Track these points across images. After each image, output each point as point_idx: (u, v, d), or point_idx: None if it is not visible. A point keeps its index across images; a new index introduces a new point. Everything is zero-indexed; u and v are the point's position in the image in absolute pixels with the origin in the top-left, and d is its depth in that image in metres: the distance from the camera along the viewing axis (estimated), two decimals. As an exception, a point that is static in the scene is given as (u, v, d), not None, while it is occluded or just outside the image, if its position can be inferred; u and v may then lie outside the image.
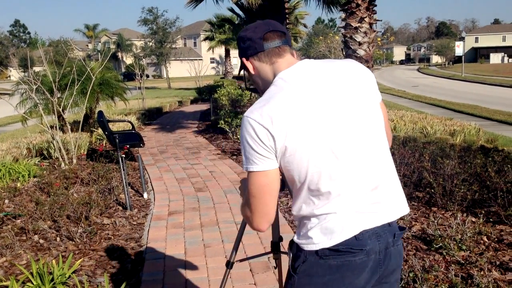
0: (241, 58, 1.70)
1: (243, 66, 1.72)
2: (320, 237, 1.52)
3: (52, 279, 3.36)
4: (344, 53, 7.95)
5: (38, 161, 7.68)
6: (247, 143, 1.48)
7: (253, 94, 16.38)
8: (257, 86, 1.73)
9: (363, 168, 1.53)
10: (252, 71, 1.67)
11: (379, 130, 1.59)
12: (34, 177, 6.76)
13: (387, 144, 1.63)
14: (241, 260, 2.70)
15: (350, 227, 1.51)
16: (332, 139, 1.48)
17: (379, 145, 1.58)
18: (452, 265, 3.45)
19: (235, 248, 2.38)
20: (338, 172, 1.49)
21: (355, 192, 1.52)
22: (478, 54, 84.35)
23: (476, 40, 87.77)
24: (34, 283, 3.30)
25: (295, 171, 1.50)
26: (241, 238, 2.37)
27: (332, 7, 12.55)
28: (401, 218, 4.24)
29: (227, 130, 10.26)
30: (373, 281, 1.60)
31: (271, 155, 1.48)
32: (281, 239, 2.35)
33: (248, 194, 1.53)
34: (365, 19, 7.50)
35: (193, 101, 23.04)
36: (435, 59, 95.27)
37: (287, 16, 11.63)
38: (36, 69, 13.17)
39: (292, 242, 1.62)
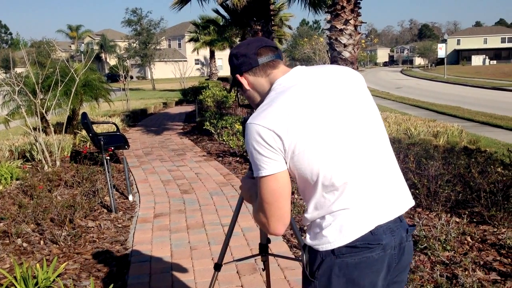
0: (234, 75, 1.71)
1: (236, 83, 1.73)
2: (335, 235, 1.52)
3: (37, 283, 3.31)
4: (329, 55, 7.99)
5: (21, 164, 7.58)
6: (254, 149, 1.48)
7: (238, 96, 16.36)
8: (251, 101, 1.74)
9: (370, 162, 1.55)
10: (246, 87, 1.69)
11: (379, 125, 1.63)
12: (17, 179, 6.67)
13: (388, 139, 1.66)
14: (229, 263, 2.69)
15: (364, 222, 1.52)
16: (338, 135, 1.50)
17: (381, 139, 1.61)
18: (437, 265, 3.48)
19: (223, 250, 2.38)
20: (348, 166, 1.51)
21: (366, 186, 1.54)
22: (460, 56, 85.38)
23: (458, 42, 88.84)
24: (18, 287, 3.25)
25: (307, 170, 1.49)
26: (229, 240, 2.36)
27: (317, 9, 12.59)
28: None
29: (213, 131, 10.24)
30: (388, 278, 1.60)
31: (279, 157, 1.48)
32: (269, 241, 2.35)
33: (261, 200, 1.52)
34: (350, 21, 7.54)
35: (178, 103, 22.96)
36: (418, 61, 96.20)
37: (272, 17, 11.64)
38: (19, 70, 13.01)
39: (305, 246, 1.61)
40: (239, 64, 1.67)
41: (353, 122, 1.54)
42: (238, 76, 1.69)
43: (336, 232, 1.52)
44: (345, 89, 1.58)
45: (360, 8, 7.71)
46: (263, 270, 2.51)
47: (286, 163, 1.49)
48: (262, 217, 1.54)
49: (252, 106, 1.76)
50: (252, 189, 1.72)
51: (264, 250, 2.34)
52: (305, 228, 1.64)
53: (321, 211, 1.54)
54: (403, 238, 1.60)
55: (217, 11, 20.03)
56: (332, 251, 1.51)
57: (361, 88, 1.63)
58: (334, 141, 1.49)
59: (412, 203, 1.67)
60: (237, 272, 3.61)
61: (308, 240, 1.58)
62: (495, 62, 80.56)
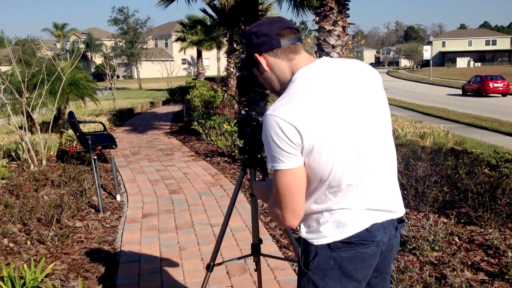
0: (251, 54, 1.65)
1: (252, 62, 1.68)
2: (332, 231, 1.54)
3: (24, 284, 3.27)
4: (317, 56, 8.01)
5: (6, 163, 7.48)
6: (273, 142, 1.46)
7: (225, 96, 16.36)
8: (267, 83, 1.70)
9: (379, 168, 1.58)
10: (265, 67, 1.64)
11: (389, 131, 1.64)
12: (2, 179, 6.58)
13: (393, 143, 1.68)
14: (220, 263, 2.68)
15: (361, 221, 1.56)
16: (355, 138, 1.51)
17: (389, 146, 1.63)
18: (426, 265, 3.51)
19: (216, 251, 2.37)
20: (358, 170, 1.53)
21: (368, 189, 1.56)
22: (445, 58, 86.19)
23: (443, 44, 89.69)
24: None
25: (320, 169, 1.49)
26: (222, 240, 2.36)
27: (305, 9, 12.61)
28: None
29: (201, 131, 10.20)
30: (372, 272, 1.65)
31: (298, 153, 1.46)
32: (260, 241, 2.35)
33: (276, 192, 1.50)
34: (338, 22, 7.57)
35: (165, 102, 22.87)
36: (404, 62, 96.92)
37: (260, 18, 11.64)
38: (3, 68, 12.85)
39: (299, 239, 1.62)
40: (259, 43, 1.62)
41: (366, 126, 1.54)
42: (257, 55, 1.63)
43: (333, 228, 1.54)
44: (365, 90, 1.58)
45: (348, 9, 7.75)
46: (255, 270, 2.51)
47: (302, 158, 1.49)
48: (277, 209, 1.53)
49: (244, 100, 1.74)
50: (266, 192, 1.73)
51: (256, 250, 2.33)
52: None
53: (320, 206, 1.55)
54: (392, 235, 1.64)
55: (204, 11, 19.92)
56: (328, 245, 1.54)
57: (379, 89, 1.63)
58: (348, 145, 1.50)
59: (403, 211, 1.70)
60: (227, 272, 3.60)
61: (303, 233, 1.60)
62: (479, 64, 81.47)
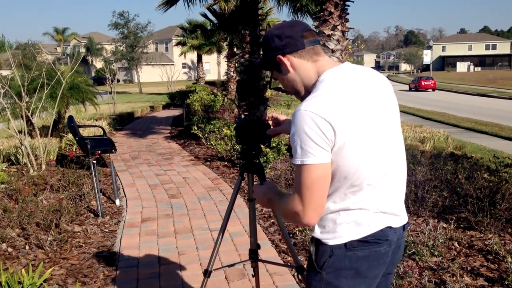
0: (273, 56, 1.66)
1: (272, 65, 1.69)
2: (349, 230, 1.57)
3: (22, 289, 3.26)
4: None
5: (6, 167, 7.48)
6: (307, 135, 1.46)
7: (225, 100, 16.37)
8: (290, 84, 1.71)
9: (394, 171, 1.63)
10: (289, 68, 1.66)
11: (401, 136, 1.69)
12: (2, 183, 6.57)
13: (404, 148, 1.72)
14: (218, 269, 2.67)
15: (378, 222, 1.61)
16: (378, 139, 1.56)
17: (402, 151, 1.68)
18: (425, 271, 3.49)
19: (213, 256, 2.36)
20: (379, 171, 1.57)
21: (385, 190, 1.61)
22: (445, 63, 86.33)
23: (443, 49, 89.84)
24: (3, 293, 3.20)
25: (347, 167, 1.51)
26: (219, 246, 2.35)
27: (304, 14, 12.63)
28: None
29: (200, 136, 10.20)
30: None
31: (329, 148, 1.48)
32: (258, 246, 2.34)
33: (301, 187, 1.49)
34: (337, 27, 7.57)
35: (165, 106, 22.87)
36: (404, 67, 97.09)
37: (260, 22, 11.65)
38: (4, 72, 12.86)
39: (312, 238, 1.64)
40: (283, 45, 1.63)
41: (386, 130, 1.60)
42: (280, 56, 1.64)
43: (350, 228, 1.57)
44: (383, 96, 1.63)
45: (347, 14, 7.75)
46: (253, 276, 2.50)
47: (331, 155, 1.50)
48: (298, 205, 1.51)
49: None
50: (267, 194, 1.75)
51: (254, 256, 2.32)
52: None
53: (337, 206, 1.58)
54: (401, 234, 1.70)
55: (204, 15, 19.96)
56: (345, 244, 1.57)
57: (393, 97, 1.68)
58: (373, 145, 1.54)
59: (407, 219, 1.75)
60: (225, 277, 3.58)
61: (317, 233, 1.61)
62: (479, 68, 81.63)
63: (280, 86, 1.79)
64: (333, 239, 1.58)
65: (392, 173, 1.62)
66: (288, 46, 1.63)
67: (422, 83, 41.19)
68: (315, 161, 1.46)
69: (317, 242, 1.62)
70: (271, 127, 2.15)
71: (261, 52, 1.74)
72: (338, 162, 1.50)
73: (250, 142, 2.19)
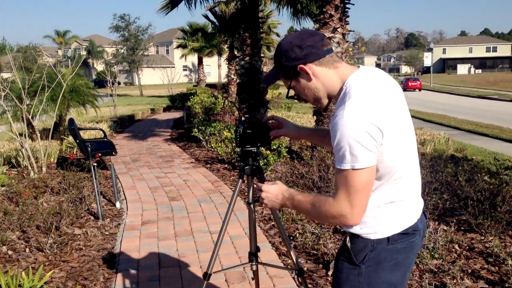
0: (293, 67, 1.67)
1: (291, 75, 1.70)
2: (390, 224, 1.63)
3: (22, 292, 3.26)
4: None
5: (6, 170, 7.48)
6: (356, 141, 1.48)
7: (226, 102, 16.37)
8: (311, 93, 1.72)
9: (413, 161, 1.70)
10: (311, 77, 1.67)
11: (413, 129, 1.76)
12: (2, 186, 6.57)
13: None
14: (218, 271, 2.67)
15: (414, 212, 1.69)
16: (407, 134, 1.64)
17: (415, 142, 1.75)
18: (426, 273, 3.49)
19: (213, 259, 2.36)
20: (410, 164, 1.66)
21: (412, 181, 1.69)
22: (446, 65, 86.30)
23: (444, 51, 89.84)
24: (3, 296, 3.20)
25: (388, 163, 1.57)
26: (219, 249, 2.35)
27: (304, 17, 12.64)
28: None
29: (201, 138, 10.20)
30: None
31: (376, 150, 1.53)
32: (258, 249, 2.34)
33: (351, 190, 1.53)
34: (338, 29, 7.58)
35: (166, 109, 22.89)
36: (405, 69, 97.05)
37: (260, 25, 11.66)
38: (5, 75, 12.87)
39: (352, 236, 1.66)
40: (304, 55, 1.64)
41: (407, 125, 1.66)
42: (302, 66, 1.65)
43: (391, 222, 1.63)
44: (399, 94, 1.69)
45: (348, 16, 7.76)
46: (253, 279, 2.50)
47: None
48: (345, 207, 1.54)
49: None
50: (283, 192, 1.75)
51: (254, 258, 2.32)
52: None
53: (378, 201, 1.62)
54: (425, 224, 1.79)
55: (206, 17, 20.03)
56: (387, 238, 1.63)
57: (402, 95, 1.73)
58: (405, 140, 1.62)
59: (423, 203, 1.82)
60: (225, 280, 3.58)
61: (356, 229, 1.64)
62: (480, 71, 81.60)
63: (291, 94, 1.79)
64: (374, 233, 1.63)
65: (415, 163, 1.71)
66: (310, 56, 1.64)
67: (409, 83, 46.64)
68: (365, 165, 1.50)
69: (356, 237, 1.65)
70: (271, 129, 2.15)
71: (275, 62, 1.75)
72: (383, 160, 1.56)
73: (251, 145, 2.19)
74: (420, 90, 46.07)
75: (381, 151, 1.53)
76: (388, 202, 1.63)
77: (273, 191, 1.79)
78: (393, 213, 1.64)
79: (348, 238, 1.67)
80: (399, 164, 1.60)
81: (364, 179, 1.52)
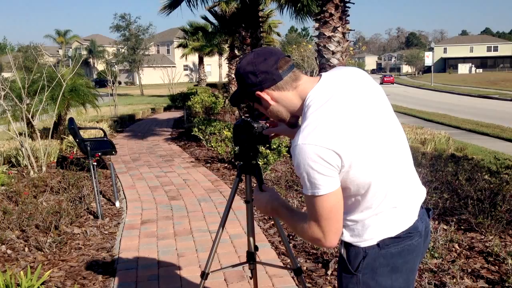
0: (250, 92, 1.64)
1: (252, 98, 1.67)
2: (380, 231, 1.57)
3: (20, 291, 3.25)
4: (317, 62, 8.00)
5: (6, 169, 7.47)
6: (312, 169, 1.43)
7: (226, 102, 16.37)
8: (274, 115, 1.68)
9: (403, 161, 1.62)
10: (270, 102, 1.63)
11: (398, 124, 1.66)
12: (2, 185, 6.57)
13: (404, 135, 1.70)
14: (216, 271, 2.66)
15: (407, 217, 1.61)
16: (380, 141, 1.52)
17: (401, 137, 1.65)
18: (425, 273, 3.47)
19: (210, 258, 2.35)
20: (393, 169, 1.56)
21: (403, 184, 1.60)
22: (447, 64, 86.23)
23: (445, 50, 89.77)
24: (1, 295, 3.19)
25: (361, 181, 1.51)
26: (216, 248, 2.33)
27: (305, 16, 12.64)
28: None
29: (201, 137, 10.19)
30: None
31: (337, 174, 1.46)
32: (256, 248, 2.33)
33: (317, 217, 1.49)
34: (338, 28, 7.56)
35: (166, 108, 22.88)
36: (405, 68, 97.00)
37: (260, 24, 11.67)
38: (6, 74, 12.88)
39: (345, 244, 1.63)
40: (259, 82, 1.60)
41: (386, 128, 1.57)
42: (258, 93, 1.62)
43: (380, 228, 1.57)
44: (369, 91, 1.60)
45: (348, 15, 7.74)
46: (250, 278, 2.48)
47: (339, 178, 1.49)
48: (317, 233, 1.51)
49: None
50: (270, 203, 1.74)
51: (251, 258, 2.31)
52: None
53: (364, 214, 1.58)
54: (427, 222, 1.71)
55: (205, 18, 19.99)
56: (377, 244, 1.57)
57: (377, 88, 1.65)
58: (379, 149, 1.52)
59: (425, 191, 1.75)
60: (224, 279, 3.57)
61: (347, 237, 1.61)
62: (481, 70, 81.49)
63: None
64: (364, 241, 1.58)
65: (404, 164, 1.62)
66: (265, 82, 1.59)
67: (384, 79, 59.69)
68: (326, 191, 1.44)
69: (348, 246, 1.61)
70: (268, 127, 2.14)
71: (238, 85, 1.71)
72: (351, 178, 1.49)
73: (247, 143, 2.18)
74: (393, 83, 57.35)
75: (345, 171, 1.47)
76: (377, 213, 1.57)
77: (262, 200, 1.78)
78: (383, 221, 1.58)
79: (342, 247, 1.64)
80: (376, 176, 1.52)
81: (329, 204, 1.47)
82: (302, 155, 1.44)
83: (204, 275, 2.32)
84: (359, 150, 1.46)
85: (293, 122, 1.70)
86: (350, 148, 1.44)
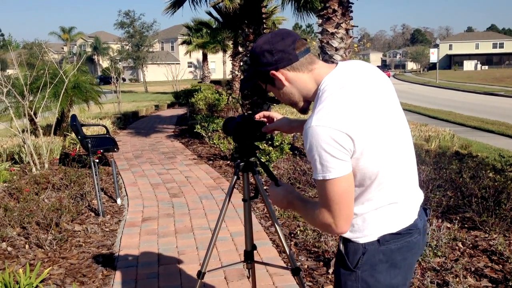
0: (265, 72, 1.61)
1: (265, 79, 1.64)
2: (380, 226, 1.56)
3: (19, 289, 3.23)
4: (321, 59, 7.95)
5: (9, 166, 7.47)
6: (325, 151, 1.41)
7: (230, 99, 16.34)
8: (287, 98, 1.66)
9: (408, 159, 1.62)
10: (284, 82, 1.61)
11: (406, 123, 1.66)
12: (4, 182, 6.56)
13: (410, 134, 1.69)
14: (214, 269, 2.63)
15: (408, 213, 1.61)
16: (392, 132, 1.53)
17: (408, 135, 1.65)
18: (428, 271, 3.43)
19: (207, 257, 2.31)
20: (399, 164, 1.56)
21: (405, 180, 1.60)
22: (452, 61, 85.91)
23: (450, 47, 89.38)
24: (-1, 293, 3.17)
25: (370, 169, 1.49)
26: (213, 247, 2.30)
27: (308, 12, 12.56)
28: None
29: (204, 135, 10.16)
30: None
31: (349, 158, 1.44)
32: (254, 247, 2.29)
33: (328, 201, 1.47)
34: (341, 24, 7.50)
35: (170, 105, 22.86)
36: (410, 65, 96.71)
37: (264, 21, 11.61)
38: (10, 71, 12.88)
39: (344, 240, 1.61)
40: (276, 61, 1.57)
41: (395, 122, 1.56)
42: (273, 72, 1.59)
43: (381, 224, 1.56)
44: (383, 87, 1.59)
45: (351, 12, 7.68)
46: (248, 277, 2.45)
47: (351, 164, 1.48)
48: (328, 218, 1.49)
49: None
50: (287, 197, 1.73)
51: (249, 257, 2.27)
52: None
53: (366, 207, 1.56)
54: (425, 219, 1.71)
55: (210, 14, 19.93)
56: (378, 240, 1.56)
57: (390, 85, 1.65)
58: (389, 141, 1.51)
59: (423, 194, 1.76)
60: (224, 278, 3.54)
61: (347, 234, 1.59)
62: (486, 67, 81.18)
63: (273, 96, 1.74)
64: (364, 237, 1.57)
65: (408, 160, 1.61)
66: (281, 61, 1.57)
67: None
68: (338, 174, 1.42)
69: (348, 241, 1.60)
70: (266, 124, 2.11)
71: (249, 66, 1.69)
72: (360, 166, 1.47)
73: (246, 140, 2.14)
74: (389, 77, 55.25)
75: (356, 158, 1.45)
76: (378, 207, 1.56)
77: (279, 195, 1.77)
78: (384, 216, 1.56)
79: (341, 242, 1.63)
80: (383, 168, 1.50)
81: (339, 189, 1.44)
82: (315, 136, 1.42)
83: (200, 275, 2.29)
84: (371, 138, 1.45)
85: (305, 108, 1.68)
86: (363, 134, 1.43)
